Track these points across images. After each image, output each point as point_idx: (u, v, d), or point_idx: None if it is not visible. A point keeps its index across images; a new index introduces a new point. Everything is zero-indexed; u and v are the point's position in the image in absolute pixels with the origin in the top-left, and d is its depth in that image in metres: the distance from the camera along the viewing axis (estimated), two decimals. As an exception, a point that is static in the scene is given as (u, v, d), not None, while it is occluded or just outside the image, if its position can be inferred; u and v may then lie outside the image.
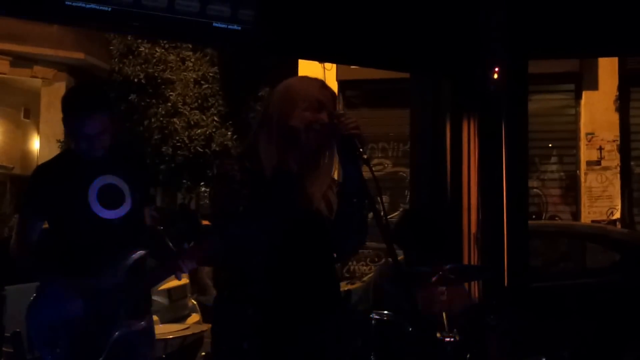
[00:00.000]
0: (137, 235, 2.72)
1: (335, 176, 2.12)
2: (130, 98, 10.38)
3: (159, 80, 10.53)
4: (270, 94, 2.14)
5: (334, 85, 9.78)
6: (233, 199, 1.95)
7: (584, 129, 9.28)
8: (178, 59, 10.69)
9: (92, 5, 3.33)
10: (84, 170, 2.65)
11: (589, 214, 9.06)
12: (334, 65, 9.02)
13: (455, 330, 3.09)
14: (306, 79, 2.10)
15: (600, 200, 9.10)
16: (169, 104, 10.45)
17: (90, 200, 2.62)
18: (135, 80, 10.44)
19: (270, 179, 1.96)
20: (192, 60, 10.74)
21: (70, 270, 2.60)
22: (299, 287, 2.00)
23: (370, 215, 2.01)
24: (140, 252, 2.65)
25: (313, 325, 2.00)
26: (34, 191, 2.69)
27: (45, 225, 2.73)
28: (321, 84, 2.05)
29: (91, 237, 2.63)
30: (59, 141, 11.48)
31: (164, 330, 4.54)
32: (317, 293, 2.03)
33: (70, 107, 2.63)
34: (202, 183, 11.37)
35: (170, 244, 2.82)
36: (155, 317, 3.96)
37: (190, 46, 10.55)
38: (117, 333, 2.56)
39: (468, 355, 3.16)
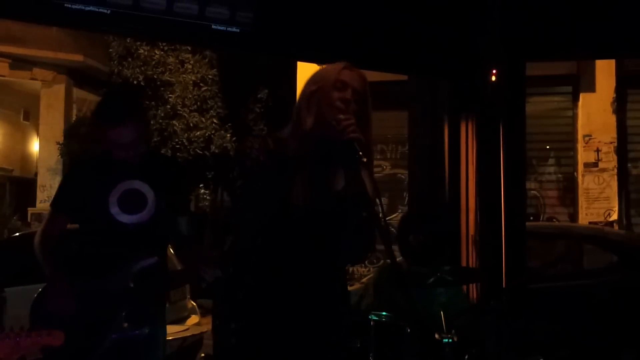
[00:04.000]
0: (156, 243, 2.72)
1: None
2: (129, 100, 10.38)
3: (158, 83, 10.54)
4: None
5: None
6: (246, 175, 1.98)
7: (581, 130, 9.30)
8: (177, 61, 10.69)
9: (91, 8, 3.34)
10: (112, 172, 2.68)
11: (586, 216, 9.08)
12: (333, 67, 9.02)
13: (453, 331, 3.11)
14: (330, 65, 2.11)
15: (598, 201, 9.11)
16: (168, 106, 10.46)
17: (110, 202, 2.66)
18: (135, 82, 10.44)
19: (293, 161, 1.98)
20: (191, 62, 10.75)
21: (80, 268, 2.64)
22: (307, 276, 2.01)
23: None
24: (151, 260, 2.64)
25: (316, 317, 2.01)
26: (65, 185, 2.78)
27: (74, 225, 2.77)
28: (343, 66, 2.07)
29: (105, 239, 2.67)
30: (58, 143, 11.49)
31: (163, 331, 4.54)
32: (325, 286, 2.04)
33: (104, 116, 2.64)
34: (201, 185, 11.38)
35: (191, 251, 2.82)
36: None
37: (190, 48, 10.55)
38: (113, 336, 2.56)
39: (466, 356, 3.17)
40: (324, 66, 2.15)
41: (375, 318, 3.08)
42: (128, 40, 10.43)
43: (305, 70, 8.49)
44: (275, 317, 1.98)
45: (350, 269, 9.49)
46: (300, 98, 2.09)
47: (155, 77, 10.52)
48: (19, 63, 11.68)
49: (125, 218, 2.67)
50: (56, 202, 2.77)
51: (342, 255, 2.11)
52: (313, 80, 2.08)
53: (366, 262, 9.53)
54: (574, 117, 9.42)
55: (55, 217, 2.76)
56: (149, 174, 2.72)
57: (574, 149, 9.38)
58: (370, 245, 2.09)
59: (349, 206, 1.99)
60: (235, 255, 2.06)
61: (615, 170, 9.11)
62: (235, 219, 2.06)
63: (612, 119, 9.17)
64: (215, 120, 10.65)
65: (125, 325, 2.59)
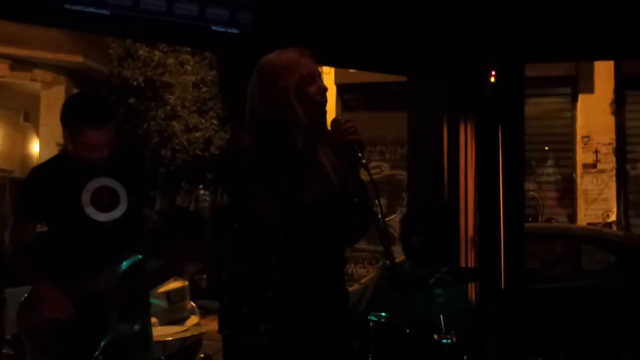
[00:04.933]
0: (133, 238, 2.70)
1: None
2: (129, 102, 10.39)
3: (158, 84, 10.53)
4: (258, 75, 2.12)
5: (332, 89, 9.82)
6: (252, 177, 1.95)
7: (580, 132, 9.33)
8: (177, 62, 10.69)
9: (91, 9, 3.35)
10: (79, 172, 2.63)
11: (585, 217, 9.10)
12: (332, 69, 9.06)
13: (452, 331, 3.12)
14: (284, 56, 2.08)
15: (596, 202, 9.14)
16: (168, 108, 10.46)
17: (83, 202, 2.61)
18: (134, 83, 10.44)
19: (285, 156, 1.98)
20: (191, 63, 10.75)
21: (63, 272, 2.59)
22: (313, 266, 2.01)
23: None
24: (135, 257, 2.65)
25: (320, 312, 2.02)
26: (28, 193, 2.67)
27: (40, 229, 2.71)
28: (299, 54, 2.05)
29: (85, 240, 2.62)
30: (58, 144, 11.48)
31: (162, 332, 4.56)
32: (328, 275, 2.05)
33: (74, 118, 2.58)
34: (200, 186, 11.39)
35: (170, 245, 2.81)
36: (154, 319, 3.97)
37: (189, 50, 10.56)
38: (108, 337, 2.56)
39: (465, 357, 3.18)
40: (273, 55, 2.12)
41: (374, 319, 3.09)
42: (128, 42, 10.43)
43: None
44: (296, 315, 1.99)
45: (350, 270, 9.51)
46: (270, 91, 2.04)
47: (155, 78, 10.52)
48: (19, 64, 11.66)
49: (101, 216, 2.63)
50: (22, 211, 2.67)
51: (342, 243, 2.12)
52: (274, 73, 2.05)
53: (365, 262, 9.54)
54: (573, 118, 9.44)
55: (21, 225, 2.65)
56: (116, 169, 2.68)
57: (572, 150, 9.41)
58: (365, 231, 2.09)
59: (348, 197, 2.01)
60: (254, 254, 2.02)
61: (614, 172, 9.14)
62: (247, 218, 2.03)
63: (611, 120, 9.20)
64: (214, 122, 10.65)
65: (118, 324, 2.59)
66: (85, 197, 2.62)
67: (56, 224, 2.67)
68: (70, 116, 2.60)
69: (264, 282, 1.98)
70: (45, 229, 2.73)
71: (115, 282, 2.60)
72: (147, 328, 2.77)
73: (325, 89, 2.04)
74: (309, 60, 2.05)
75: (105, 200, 2.64)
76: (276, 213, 1.95)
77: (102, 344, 2.56)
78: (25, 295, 2.65)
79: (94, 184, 2.64)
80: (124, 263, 2.62)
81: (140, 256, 2.67)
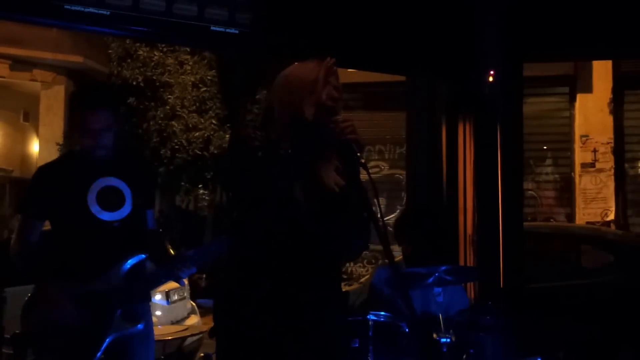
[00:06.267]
0: (137, 238, 2.72)
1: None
2: (128, 101, 10.40)
3: (158, 84, 10.55)
4: (276, 88, 2.19)
5: (331, 88, 9.81)
6: (254, 160, 1.97)
7: (578, 131, 9.34)
8: (176, 62, 10.71)
9: (91, 9, 3.36)
10: (86, 171, 2.67)
11: (583, 216, 9.12)
12: (331, 69, 9.04)
13: (451, 331, 3.12)
14: (302, 67, 2.14)
15: (595, 202, 9.16)
16: (168, 107, 10.47)
17: (89, 201, 2.64)
18: (134, 83, 10.46)
19: (288, 159, 1.99)
20: (190, 63, 10.76)
21: (68, 271, 2.61)
22: (312, 265, 2.02)
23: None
24: (139, 257, 2.66)
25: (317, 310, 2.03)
26: (35, 191, 2.71)
27: (46, 227, 2.74)
28: (314, 65, 2.11)
29: (89, 239, 2.65)
30: (58, 144, 11.50)
31: (162, 331, 4.57)
32: (324, 285, 2.05)
33: (77, 102, 2.68)
34: (200, 185, 11.40)
35: (169, 248, 2.83)
36: (154, 319, 3.97)
37: (189, 50, 10.57)
38: (111, 336, 2.58)
39: (464, 356, 3.19)
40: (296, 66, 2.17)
41: (373, 318, 3.09)
42: (127, 42, 10.44)
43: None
44: (296, 315, 2.00)
45: (349, 269, 9.52)
46: (289, 97, 2.09)
47: (154, 78, 10.53)
48: (19, 64, 11.67)
49: (106, 216, 2.66)
50: (29, 208, 2.72)
51: (340, 253, 2.12)
52: (297, 80, 2.10)
53: (364, 262, 9.55)
54: (571, 118, 9.46)
55: (27, 223, 2.69)
56: (123, 170, 2.72)
57: (571, 149, 9.42)
58: (366, 243, 2.09)
59: (348, 203, 2.01)
60: (253, 250, 2.02)
61: (612, 171, 9.16)
62: (244, 205, 2.04)
63: (609, 120, 9.21)
64: (214, 121, 10.66)
65: (122, 323, 2.60)
66: (91, 196, 2.65)
67: (61, 223, 2.70)
68: (70, 104, 2.73)
69: (263, 280, 1.99)
70: (49, 228, 2.75)
71: (118, 282, 2.61)
72: (149, 327, 2.79)
73: (333, 95, 2.05)
74: (319, 67, 2.10)
75: (110, 200, 2.67)
76: (271, 201, 1.95)
77: (106, 343, 2.57)
78: (29, 294, 2.66)
79: (100, 184, 2.67)
80: (128, 263, 2.63)
81: (143, 256, 2.69)
